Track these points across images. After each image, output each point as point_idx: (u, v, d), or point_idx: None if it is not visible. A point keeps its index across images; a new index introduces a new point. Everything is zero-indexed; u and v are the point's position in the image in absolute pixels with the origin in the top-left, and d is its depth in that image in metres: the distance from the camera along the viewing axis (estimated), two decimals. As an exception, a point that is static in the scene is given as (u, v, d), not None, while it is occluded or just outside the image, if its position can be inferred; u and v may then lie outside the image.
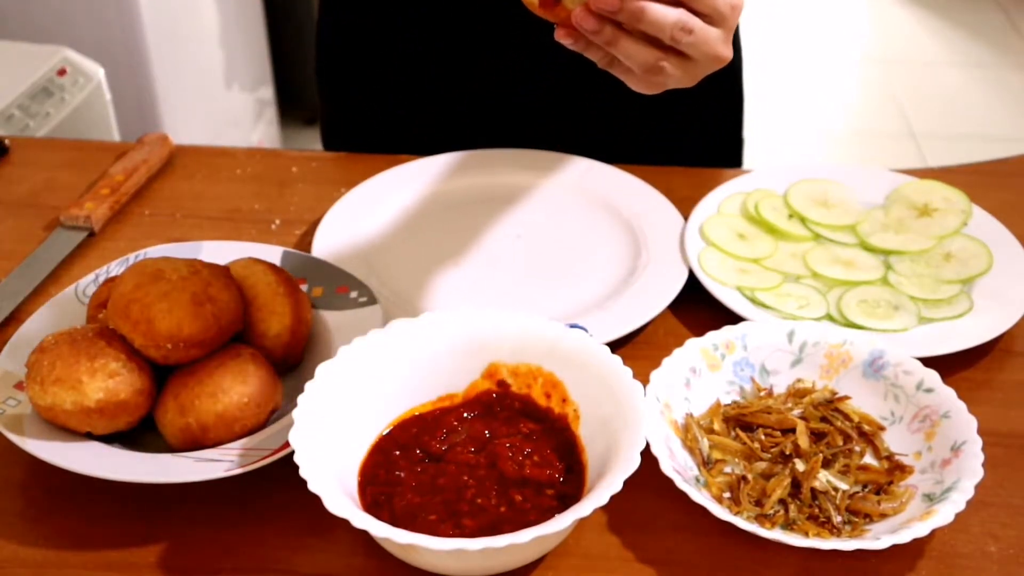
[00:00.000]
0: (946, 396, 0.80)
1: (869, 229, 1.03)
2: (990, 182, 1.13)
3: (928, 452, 0.78)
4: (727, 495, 0.77)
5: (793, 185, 1.07)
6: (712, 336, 0.85)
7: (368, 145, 1.22)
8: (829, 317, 0.94)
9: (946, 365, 0.86)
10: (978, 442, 0.75)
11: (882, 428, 0.82)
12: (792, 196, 1.06)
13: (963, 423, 0.77)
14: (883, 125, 3.51)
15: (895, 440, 0.81)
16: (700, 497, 0.72)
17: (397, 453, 0.76)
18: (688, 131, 1.23)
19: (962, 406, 0.79)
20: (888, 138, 3.44)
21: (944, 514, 0.71)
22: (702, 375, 0.84)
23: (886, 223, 1.04)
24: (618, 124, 1.19)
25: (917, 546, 0.73)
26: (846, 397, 0.83)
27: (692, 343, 0.84)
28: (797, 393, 0.84)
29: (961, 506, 0.71)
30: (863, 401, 0.83)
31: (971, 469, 0.74)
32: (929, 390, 0.81)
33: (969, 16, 4.16)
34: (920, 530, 0.70)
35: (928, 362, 0.84)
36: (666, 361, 0.82)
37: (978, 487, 0.72)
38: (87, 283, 0.91)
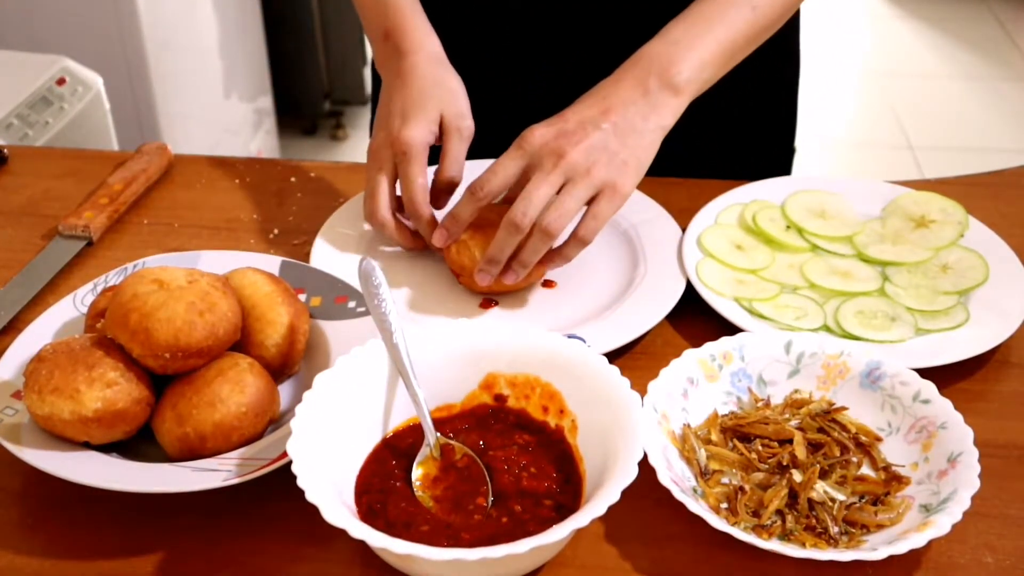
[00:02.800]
0: (943, 407, 0.80)
1: (866, 240, 1.03)
2: (987, 194, 1.14)
3: (925, 463, 0.78)
4: (724, 506, 0.77)
5: (791, 196, 1.07)
6: (709, 347, 0.85)
7: None
8: (826, 328, 0.94)
9: (943, 376, 0.86)
10: (975, 453, 0.76)
11: (879, 439, 0.82)
12: (790, 207, 1.06)
13: (960, 434, 0.78)
14: (881, 137, 3.52)
15: (892, 451, 0.81)
16: (697, 508, 0.72)
17: (393, 463, 0.76)
18: (739, 142, 1.22)
19: (959, 417, 0.79)
20: (885, 150, 3.44)
21: (941, 525, 0.71)
22: (700, 386, 0.84)
23: (883, 234, 1.04)
24: None
25: (914, 557, 0.73)
26: (843, 408, 0.83)
27: (689, 354, 0.84)
28: (794, 404, 0.84)
29: (958, 517, 0.71)
30: (860, 412, 0.83)
31: (968, 480, 0.74)
32: (926, 401, 0.81)
33: (967, 30, 4.17)
34: (917, 541, 0.70)
35: (925, 373, 0.84)
36: (664, 372, 0.82)
37: (975, 498, 0.72)
38: (85, 292, 0.91)
